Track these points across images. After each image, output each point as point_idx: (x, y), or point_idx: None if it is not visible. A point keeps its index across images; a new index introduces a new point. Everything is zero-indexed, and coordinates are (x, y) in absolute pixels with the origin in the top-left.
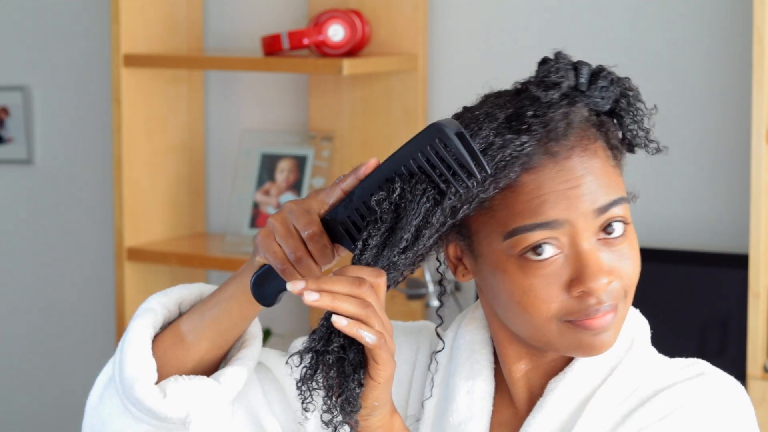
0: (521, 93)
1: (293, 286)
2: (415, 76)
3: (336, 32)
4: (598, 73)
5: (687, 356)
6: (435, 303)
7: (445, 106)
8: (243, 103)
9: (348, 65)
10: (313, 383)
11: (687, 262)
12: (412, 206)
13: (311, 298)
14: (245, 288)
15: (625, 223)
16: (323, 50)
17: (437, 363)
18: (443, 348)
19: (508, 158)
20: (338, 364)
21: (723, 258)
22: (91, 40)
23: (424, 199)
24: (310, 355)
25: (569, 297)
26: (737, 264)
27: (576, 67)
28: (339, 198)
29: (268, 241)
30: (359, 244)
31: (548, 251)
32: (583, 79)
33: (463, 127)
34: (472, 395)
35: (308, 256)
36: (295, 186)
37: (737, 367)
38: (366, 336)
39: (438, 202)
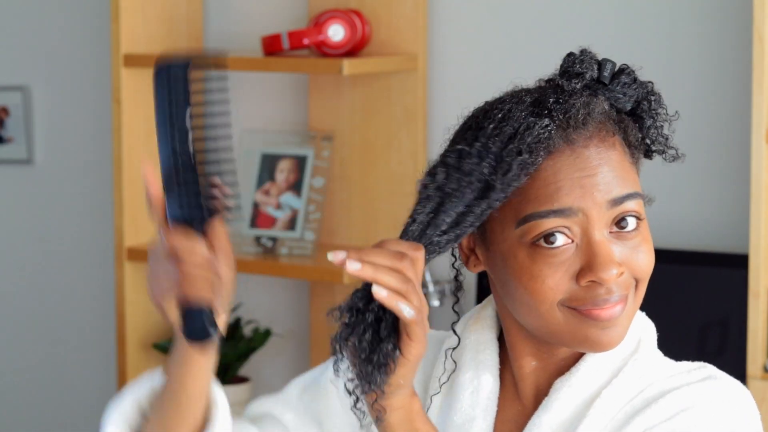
0: (545, 86)
1: (334, 256)
2: (415, 76)
3: (336, 32)
4: (622, 70)
5: (687, 356)
6: (435, 303)
7: (445, 106)
8: (243, 103)
9: (348, 65)
10: (348, 343)
11: (687, 262)
12: (458, 194)
13: (353, 267)
14: (183, 351)
15: (638, 218)
16: (323, 50)
17: (453, 361)
18: (459, 344)
19: (537, 141)
20: (375, 326)
21: (723, 258)
22: (91, 40)
23: (469, 190)
24: (349, 313)
25: (577, 286)
26: (737, 264)
27: (600, 62)
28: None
29: None
30: (408, 219)
31: (560, 240)
32: (606, 73)
33: (488, 108)
34: (477, 395)
35: None
36: (295, 186)
37: (737, 367)
38: (404, 309)
39: (484, 195)
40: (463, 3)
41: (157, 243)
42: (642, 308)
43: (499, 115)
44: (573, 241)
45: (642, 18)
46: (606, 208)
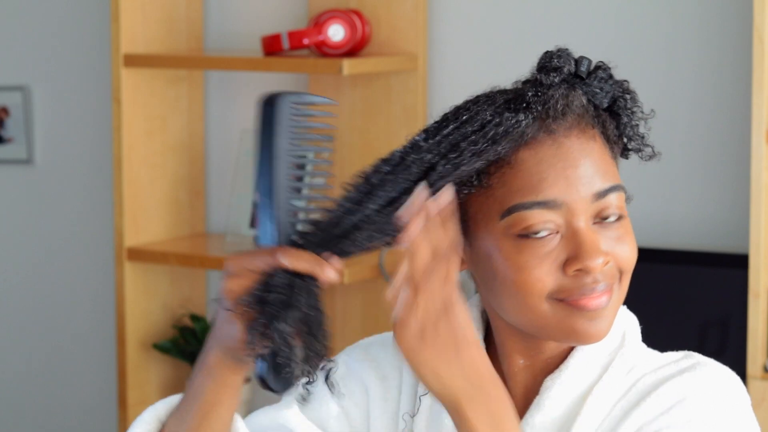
0: (522, 84)
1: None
2: (415, 76)
3: (336, 32)
4: (598, 66)
5: None
6: None
7: (445, 106)
8: (243, 103)
9: (348, 65)
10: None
11: (687, 262)
12: (390, 185)
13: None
14: (225, 369)
15: (620, 211)
16: (323, 50)
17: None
18: None
19: (501, 133)
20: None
21: (723, 258)
22: (91, 40)
23: (404, 180)
24: (260, 304)
25: (564, 277)
26: (737, 264)
27: (577, 59)
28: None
29: None
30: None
31: (545, 230)
32: (584, 68)
33: (461, 105)
34: None
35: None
36: None
37: (737, 367)
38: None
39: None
40: (463, 3)
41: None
42: (642, 308)
43: (464, 117)
44: (558, 232)
45: (642, 18)
46: (589, 202)
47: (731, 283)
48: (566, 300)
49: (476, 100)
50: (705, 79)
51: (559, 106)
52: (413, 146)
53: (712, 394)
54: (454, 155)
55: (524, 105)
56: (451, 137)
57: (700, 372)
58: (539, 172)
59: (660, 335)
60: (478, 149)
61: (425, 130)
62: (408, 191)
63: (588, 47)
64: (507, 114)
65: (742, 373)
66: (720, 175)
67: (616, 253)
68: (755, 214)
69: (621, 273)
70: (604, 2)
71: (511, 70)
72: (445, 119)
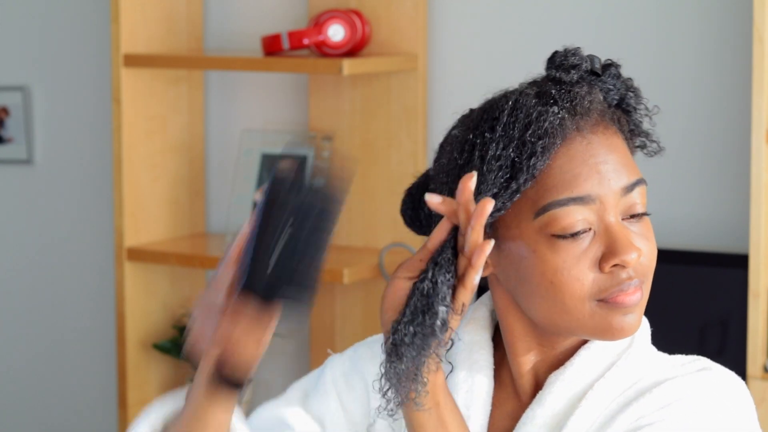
0: (541, 81)
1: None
2: (415, 76)
3: (336, 32)
4: (609, 64)
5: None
6: None
7: (445, 106)
8: (243, 103)
9: (348, 65)
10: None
11: (687, 262)
12: (488, 181)
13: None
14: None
15: (644, 206)
16: (323, 50)
17: (449, 362)
18: (452, 345)
19: (552, 126)
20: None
21: (723, 258)
22: (91, 40)
23: (501, 173)
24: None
25: (601, 273)
26: (737, 264)
27: (589, 57)
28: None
29: None
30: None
31: (579, 227)
32: (597, 66)
33: (493, 103)
34: (471, 394)
35: None
36: None
37: (737, 367)
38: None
39: (514, 177)
40: (463, 3)
41: (212, 295)
42: None
43: (509, 103)
44: (591, 229)
45: (642, 18)
46: (620, 196)
47: (731, 283)
48: (606, 299)
49: (515, 105)
50: (705, 79)
51: (585, 102)
52: (484, 141)
53: (711, 398)
54: (528, 154)
55: (551, 101)
56: (510, 126)
57: (704, 375)
58: (572, 168)
59: (660, 335)
60: (545, 143)
61: (477, 132)
62: (504, 189)
63: (587, 47)
64: (540, 107)
65: (742, 373)
66: (720, 175)
67: (643, 251)
68: (755, 214)
69: (647, 272)
70: (604, 2)
71: (511, 69)
72: (482, 117)
